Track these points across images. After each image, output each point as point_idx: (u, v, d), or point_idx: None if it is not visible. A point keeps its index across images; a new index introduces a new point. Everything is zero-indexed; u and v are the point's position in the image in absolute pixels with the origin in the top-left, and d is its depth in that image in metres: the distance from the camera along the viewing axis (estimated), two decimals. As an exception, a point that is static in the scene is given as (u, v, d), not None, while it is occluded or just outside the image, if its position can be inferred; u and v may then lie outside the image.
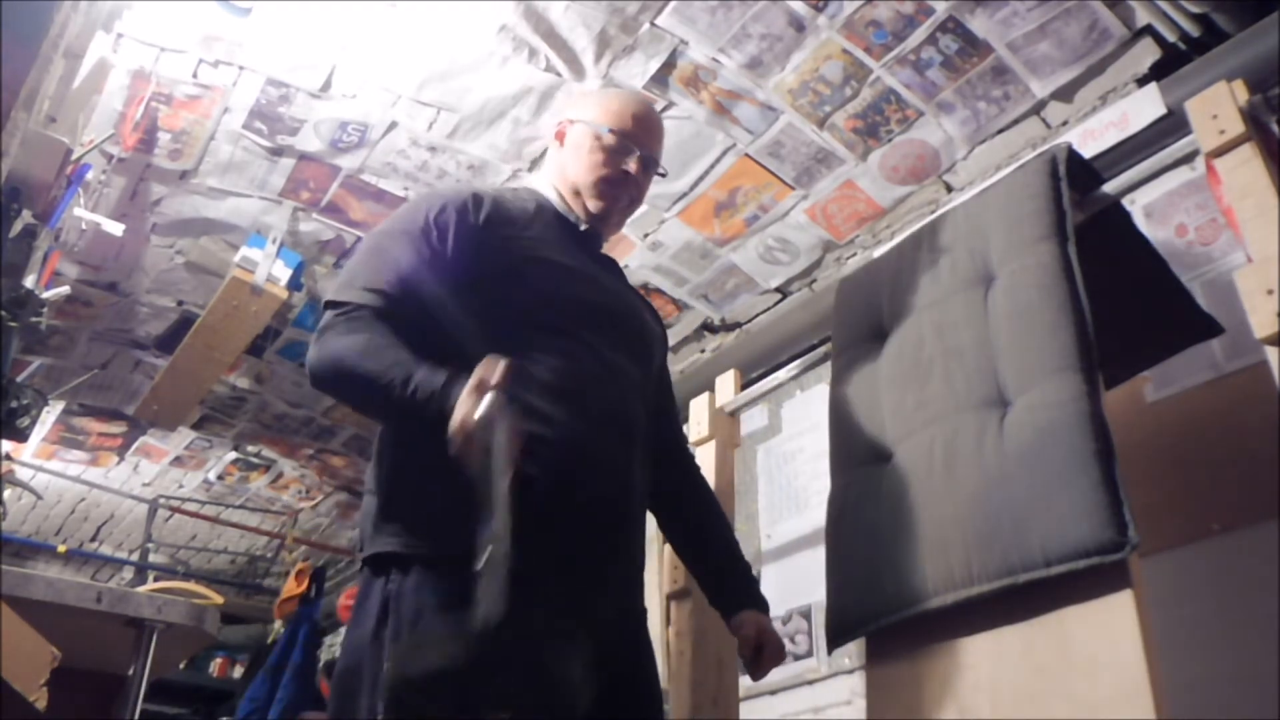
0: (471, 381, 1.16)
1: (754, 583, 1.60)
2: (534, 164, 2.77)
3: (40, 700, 1.23)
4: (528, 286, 1.39)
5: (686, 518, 1.62)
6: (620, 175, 1.49)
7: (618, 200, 1.51)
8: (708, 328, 3.36)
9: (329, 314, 1.32)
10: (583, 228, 1.52)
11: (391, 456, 1.34)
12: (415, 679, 1.13)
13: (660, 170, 1.58)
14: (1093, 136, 2.23)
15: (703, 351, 3.40)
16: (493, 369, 1.16)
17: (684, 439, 1.70)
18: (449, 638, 1.16)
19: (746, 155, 2.69)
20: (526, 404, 1.28)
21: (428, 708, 1.12)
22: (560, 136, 1.56)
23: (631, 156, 1.50)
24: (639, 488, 1.42)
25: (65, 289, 2.49)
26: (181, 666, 4.28)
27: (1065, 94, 2.33)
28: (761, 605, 1.57)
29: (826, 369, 1.95)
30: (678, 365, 3.45)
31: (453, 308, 1.34)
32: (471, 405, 1.14)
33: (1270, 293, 1.31)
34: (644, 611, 1.44)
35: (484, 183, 2.82)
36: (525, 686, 1.15)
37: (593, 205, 1.51)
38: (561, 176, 1.53)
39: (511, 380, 1.19)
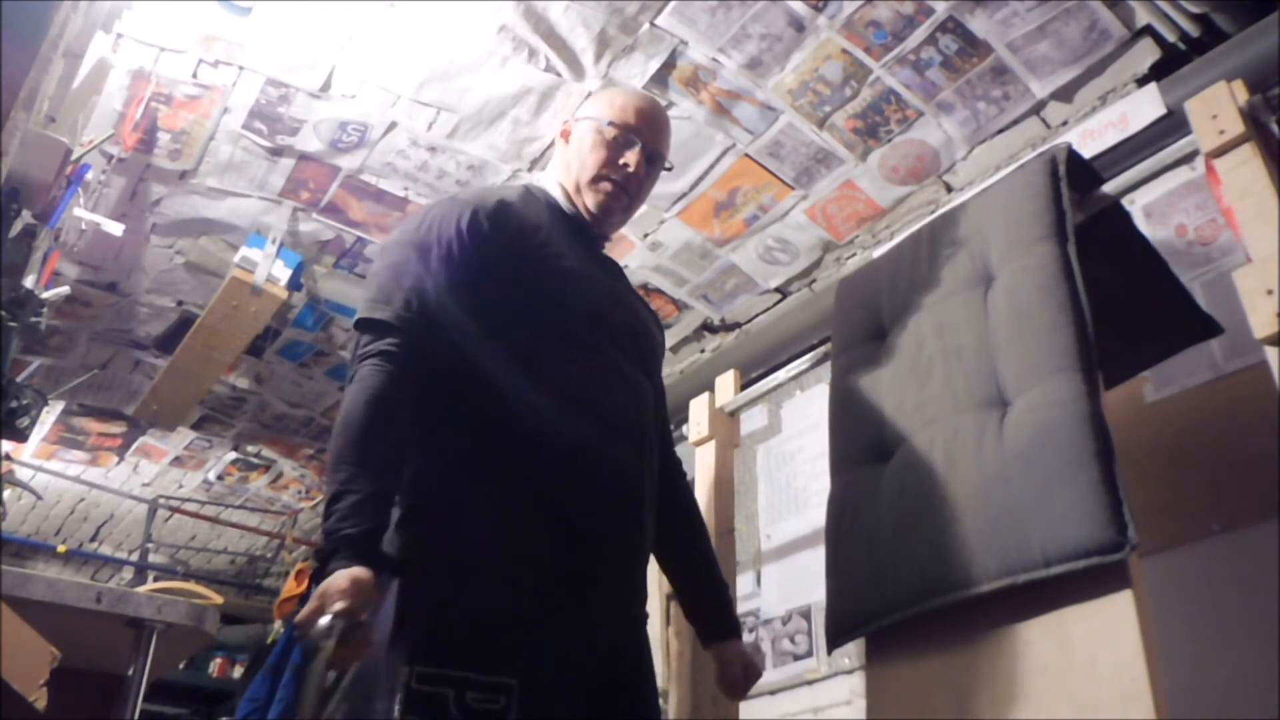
0: (322, 588, 1.11)
1: (732, 606, 1.62)
2: (534, 164, 2.77)
3: (40, 700, 1.23)
4: (552, 298, 1.39)
5: (673, 532, 1.61)
6: (619, 170, 1.48)
7: (617, 198, 1.50)
8: (708, 328, 3.36)
9: (364, 340, 1.29)
10: (592, 229, 1.53)
11: (416, 466, 1.33)
12: (435, 681, 1.13)
13: (667, 165, 1.57)
14: (1092, 136, 2.23)
15: (703, 351, 3.40)
16: (337, 599, 1.09)
17: (674, 451, 1.70)
18: (468, 640, 1.17)
19: (746, 155, 2.69)
20: (549, 414, 1.30)
21: (447, 707, 1.12)
22: (565, 135, 1.56)
23: (632, 149, 1.49)
24: (650, 497, 1.43)
25: (65, 289, 2.49)
26: (181, 666, 4.28)
27: (1065, 94, 2.33)
28: (738, 631, 1.59)
29: (826, 369, 1.95)
30: (677, 365, 3.45)
31: (479, 321, 1.34)
32: (316, 609, 1.10)
33: (1270, 293, 1.31)
34: (645, 616, 1.45)
35: (484, 183, 2.82)
36: (530, 663, 1.17)
37: (592, 203, 1.50)
38: (566, 174, 1.53)
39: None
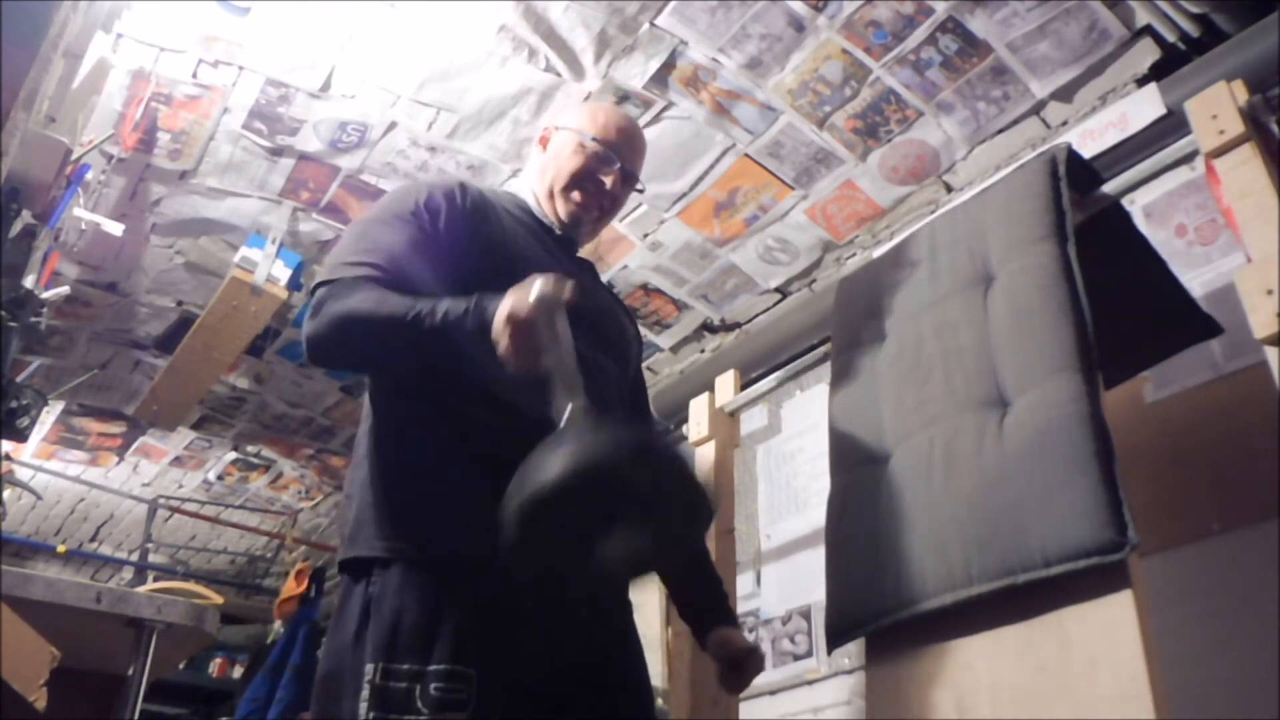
0: (509, 296, 1.14)
1: (726, 597, 1.60)
2: (534, 164, 2.77)
3: (40, 700, 1.23)
4: (508, 282, 1.38)
5: None
6: (596, 184, 1.49)
7: (588, 210, 1.51)
8: (708, 328, 3.36)
9: (321, 290, 1.28)
10: (558, 232, 1.52)
11: (373, 459, 1.33)
12: (398, 676, 1.13)
13: (639, 187, 1.58)
14: (1092, 136, 2.23)
15: (703, 351, 3.40)
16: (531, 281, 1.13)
17: None
18: (429, 634, 1.17)
19: (746, 155, 2.69)
20: (504, 403, 1.27)
21: (413, 701, 1.12)
22: (544, 142, 1.57)
23: (611, 167, 1.50)
24: None
25: (65, 289, 2.49)
26: (181, 666, 4.29)
27: (1065, 94, 2.33)
28: (734, 620, 1.57)
29: (826, 369, 1.95)
30: (677, 365, 3.45)
31: (443, 290, 1.31)
32: (524, 293, 1.12)
33: (1270, 293, 1.31)
34: (630, 604, 1.43)
35: (481, 183, 2.82)
36: (491, 652, 1.16)
37: (564, 211, 1.50)
38: (540, 180, 1.54)
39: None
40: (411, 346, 1.21)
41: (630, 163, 1.53)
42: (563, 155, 1.51)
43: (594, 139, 1.50)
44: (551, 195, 1.51)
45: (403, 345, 1.22)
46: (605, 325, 1.50)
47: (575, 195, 1.49)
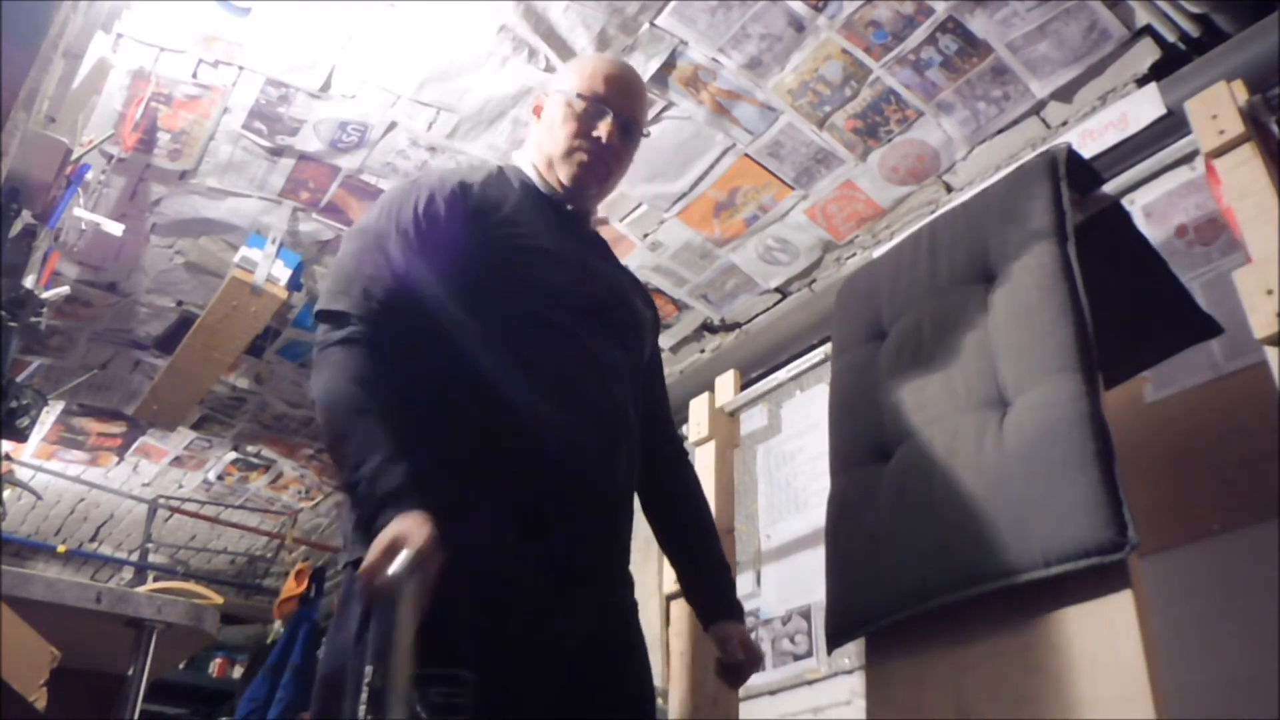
0: (386, 536, 1.11)
1: (733, 589, 1.59)
2: (534, 164, 2.77)
3: (40, 700, 1.23)
4: (517, 278, 1.36)
5: (674, 515, 1.58)
6: (592, 141, 1.44)
7: (592, 170, 1.45)
8: (708, 328, 3.36)
9: (323, 329, 1.30)
10: (568, 207, 1.49)
11: None
12: (398, 680, 1.13)
13: (645, 131, 1.52)
14: (1092, 136, 2.23)
15: (703, 351, 3.40)
16: (411, 539, 1.11)
17: (674, 430, 1.67)
18: (428, 637, 1.16)
19: (746, 155, 2.69)
20: (512, 402, 1.28)
21: (411, 709, 1.12)
22: (537, 111, 1.53)
23: (603, 120, 1.44)
24: (626, 481, 1.40)
25: (65, 289, 2.48)
26: (181, 666, 4.29)
27: (1065, 94, 2.33)
28: (741, 615, 1.56)
29: (826, 369, 1.95)
30: (677, 365, 3.45)
31: (446, 303, 1.32)
32: (383, 559, 1.10)
33: (1270, 293, 1.31)
34: (634, 604, 1.42)
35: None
36: (491, 656, 1.16)
37: (565, 176, 1.46)
38: (538, 151, 1.50)
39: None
40: (340, 478, 1.24)
41: (626, 110, 1.46)
42: (555, 121, 1.46)
43: (580, 95, 1.44)
44: (551, 165, 1.47)
45: (338, 470, 1.25)
46: (616, 312, 1.48)
47: (576, 156, 1.45)
